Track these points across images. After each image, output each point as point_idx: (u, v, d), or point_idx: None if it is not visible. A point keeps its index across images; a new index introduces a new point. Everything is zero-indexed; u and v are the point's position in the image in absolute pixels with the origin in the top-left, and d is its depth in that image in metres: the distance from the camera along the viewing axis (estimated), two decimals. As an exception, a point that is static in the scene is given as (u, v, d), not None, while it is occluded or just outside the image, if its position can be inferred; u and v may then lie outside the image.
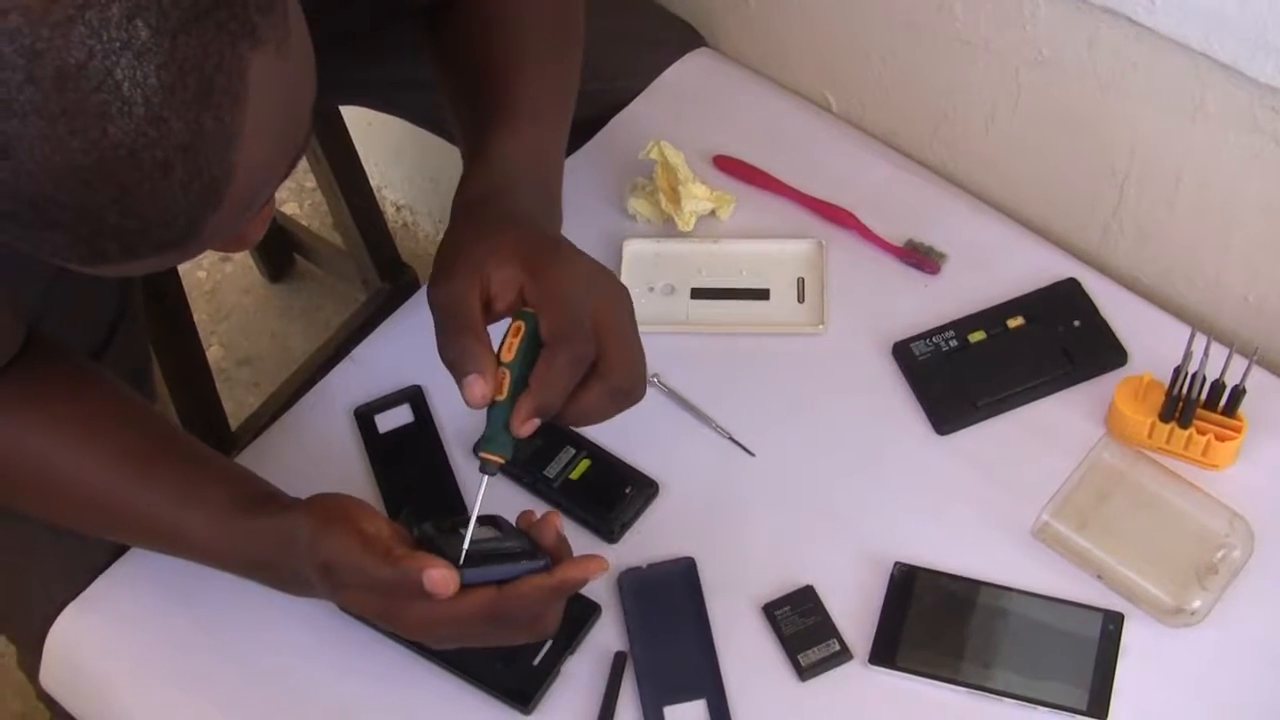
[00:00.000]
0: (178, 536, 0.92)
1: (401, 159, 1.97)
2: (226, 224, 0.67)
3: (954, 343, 1.10)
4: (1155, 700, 0.94)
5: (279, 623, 1.00)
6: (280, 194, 1.91)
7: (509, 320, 0.89)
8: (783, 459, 1.06)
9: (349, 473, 1.08)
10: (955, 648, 0.96)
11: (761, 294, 1.15)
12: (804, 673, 0.96)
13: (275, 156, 0.67)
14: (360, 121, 1.71)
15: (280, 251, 2.00)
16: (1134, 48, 1.04)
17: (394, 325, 1.15)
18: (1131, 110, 1.08)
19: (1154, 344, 1.08)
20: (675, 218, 1.17)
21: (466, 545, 0.85)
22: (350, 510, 0.87)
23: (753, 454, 1.07)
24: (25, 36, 0.57)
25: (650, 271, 1.16)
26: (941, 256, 1.16)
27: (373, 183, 1.75)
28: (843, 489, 1.05)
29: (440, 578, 0.83)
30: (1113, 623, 0.97)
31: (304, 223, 2.05)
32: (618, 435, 1.07)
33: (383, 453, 1.08)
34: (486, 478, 0.88)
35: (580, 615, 0.98)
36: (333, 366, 1.14)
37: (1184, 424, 1.02)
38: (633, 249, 1.17)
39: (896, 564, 1.00)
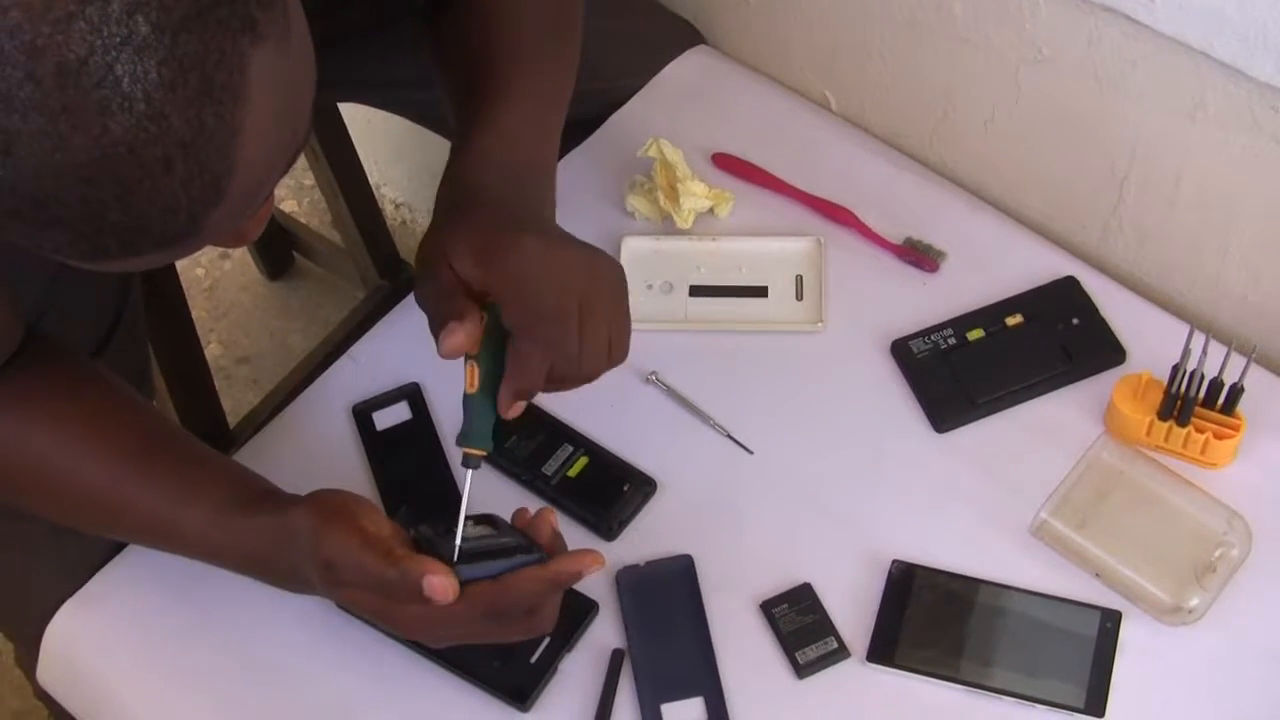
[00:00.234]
0: (176, 534, 0.92)
1: (401, 157, 1.97)
2: (227, 220, 0.67)
3: (952, 341, 1.10)
4: (1153, 698, 0.94)
5: (277, 620, 1.00)
6: (279, 192, 1.92)
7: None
8: (781, 457, 1.06)
9: (347, 470, 1.07)
10: (953, 646, 0.96)
11: (760, 292, 1.15)
12: (802, 670, 0.96)
13: (276, 152, 0.67)
14: (359, 119, 1.71)
15: (279, 249, 2.00)
16: (1133, 47, 1.04)
17: (392, 323, 1.15)
18: (1131, 109, 1.08)
19: (1152, 342, 1.08)
20: (674, 215, 1.17)
21: (459, 541, 0.86)
22: (352, 508, 0.87)
23: (751, 452, 1.07)
24: (26, 33, 0.57)
25: (649, 269, 1.16)
26: (940, 255, 1.16)
27: (372, 180, 1.75)
28: (841, 487, 1.05)
29: (440, 584, 0.83)
30: (1111, 621, 0.97)
31: (303, 220, 2.05)
32: (616, 433, 1.07)
33: (381, 450, 1.08)
34: (471, 471, 0.89)
35: (578, 613, 0.98)
36: (331, 364, 1.14)
37: (1182, 422, 1.02)
38: (631, 246, 1.17)
39: (894, 562, 1.00)
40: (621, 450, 1.07)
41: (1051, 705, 0.94)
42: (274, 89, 0.64)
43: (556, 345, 0.88)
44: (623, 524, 1.03)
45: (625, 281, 0.92)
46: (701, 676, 0.96)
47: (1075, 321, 1.10)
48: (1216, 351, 0.99)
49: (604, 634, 0.99)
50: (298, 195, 2.13)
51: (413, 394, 1.10)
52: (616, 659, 0.97)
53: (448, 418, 1.09)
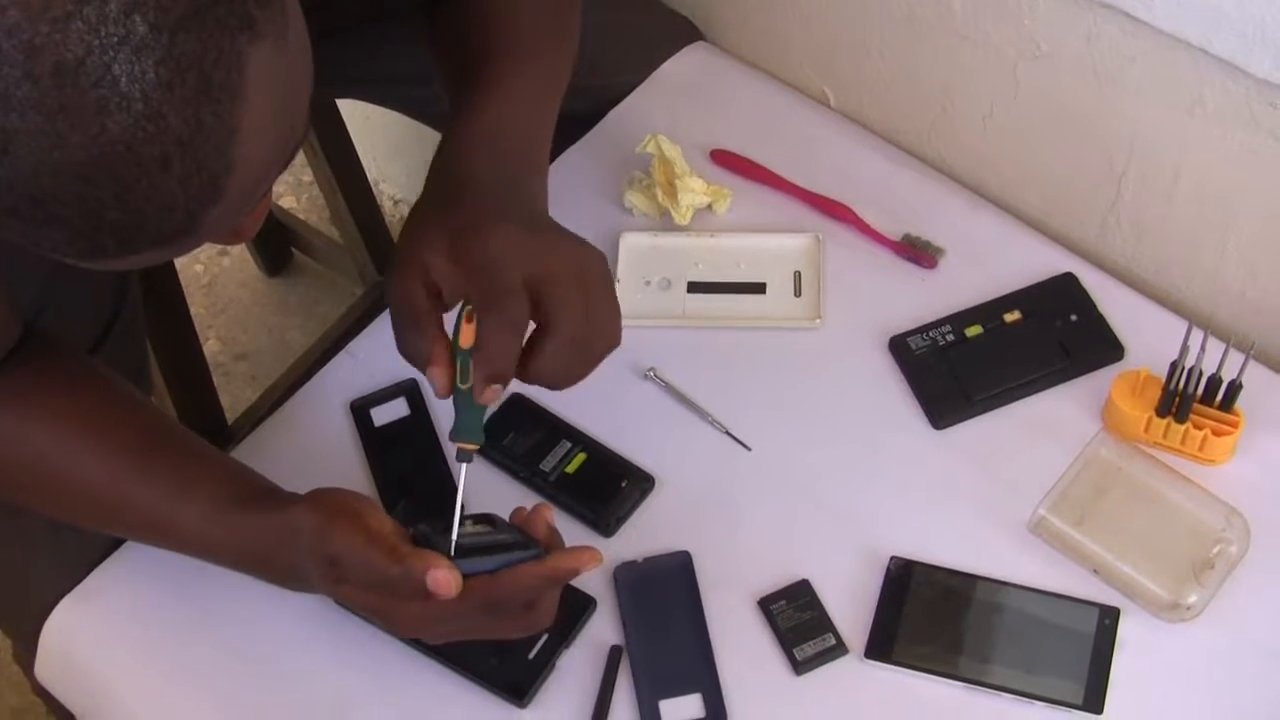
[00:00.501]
0: (173, 530, 0.92)
1: (399, 153, 1.96)
2: (225, 218, 0.67)
3: (950, 337, 1.10)
4: (1151, 695, 0.94)
5: (275, 616, 1.00)
6: (278, 188, 1.92)
7: (461, 307, 0.89)
8: (779, 453, 1.06)
9: (345, 466, 1.07)
10: (951, 642, 0.96)
11: (758, 288, 1.15)
12: (800, 667, 0.96)
13: (274, 150, 0.67)
14: (358, 116, 1.71)
15: (277, 246, 2.00)
16: (1132, 43, 1.04)
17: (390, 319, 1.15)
18: (1129, 105, 1.08)
19: (1151, 339, 1.08)
20: (672, 212, 1.17)
21: (455, 535, 0.86)
22: (355, 506, 0.87)
23: (749, 448, 1.07)
24: (24, 32, 0.57)
25: (647, 265, 1.16)
26: (939, 251, 1.16)
27: (370, 177, 1.75)
28: (839, 483, 1.05)
29: (444, 579, 0.83)
30: (1109, 617, 0.97)
31: (301, 217, 2.05)
32: (614, 429, 1.07)
33: (378, 446, 1.08)
34: (465, 465, 0.89)
35: (575, 609, 0.98)
36: (329, 360, 1.14)
37: (1180, 419, 1.02)
38: (629, 243, 1.17)
39: (893, 558, 1.00)
40: (619, 446, 1.07)
41: (1050, 702, 0.94)
42: (272, 87, 0.64)
43: (516, 322, 0.87)
44: (620, 520, 1.03)
45: (607, 269, 0.91)
46: (699, 673, 0.96)
47: (1073, 318, 1.10)
48: (1215, 348, 0.99)
49: (602, 630, 0.99)
50: (296, 192, 2.13)
51: (410, 390, 1.10)
52: (614, 655, 0.98)
53: (445, 414, 1.08)
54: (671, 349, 1.11)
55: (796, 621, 0.98)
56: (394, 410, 1.10)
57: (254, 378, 1.94)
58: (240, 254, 2.05)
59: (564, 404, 1.09)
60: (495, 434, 1.03)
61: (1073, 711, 0.93)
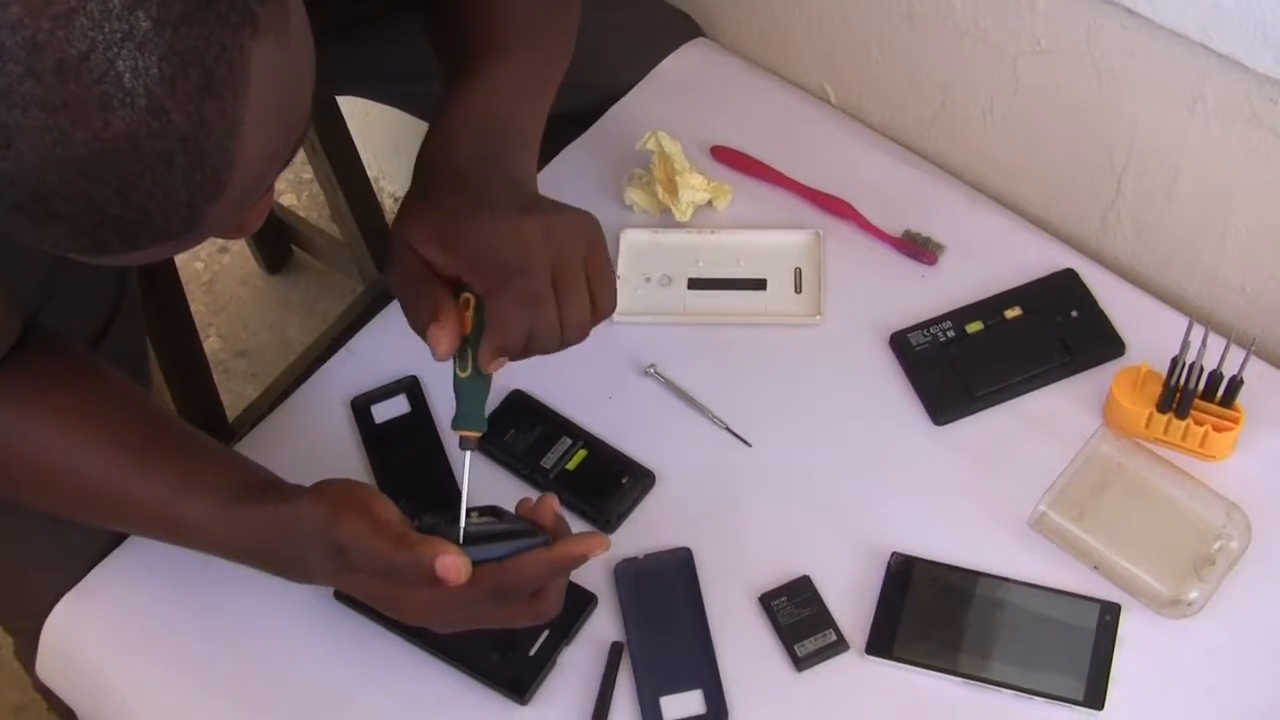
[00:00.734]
0: (177, 524, 0.92)
1: (399, 150, 1.96)
2: (228, 213, 0.67)
3: (951, 333, 1.10)
4: (1152, 691, 0.94)
5: (276, 613, 1.00)
6: (278, 185, 1.91)
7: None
8: (779, 449, 1.06)
9: (345, 463, 1.07)
10: (952, 638, 0.96)
11: (758, 284, 1.15)
12: (800, 663, 0.96)
13: (276, 145, 0.67)
14: (358, 113, 1.71)
15: (278, 243, 2.00)
16: (1132, 38, 1.04)
17: (390, 316, 1.15)
18: (1130, 101, 1.08)
19: (1152, 335, 1.07)
20: (672, 208, 1.17)
21: (463, 523, 0.86)
22: (361, 495, 0.88)
23: (750, 444, 1.07)
24: (26, 28, 0.57)
25: (647, 262, 1.16)
26: (939, 247, 1.16)
27: (370, 174, 1.75)
28: (839, 479, 1.05)
29: (453, 564, 0.83)
30: (1110, 613, 0.97)
31: (302, 214, 2.05)
32: (614, 426, 1.07)
33: (379, 443, 1.08)
34: (469, 454, 0.90)
35: (576, 605, 0.98)
36: (330, 357, 1.14)
37: (1181, 415, 1.02)
38: (630, 239, 1.17)
39: (893, 554, 1.00)
40: (620, 443, 1.07)
41: (1050, 698, 0.93)
42: (274, 82, 0.64)
43: (528, 297, 0.87)
44: (621, 517, 1.03)
45: (600, 233, 0.91)
46: (700, 669, 0.96)
47: (1074, 314, 1.10)
48: (1216, 344, 0.99)
49: (603, 627, 0.99)
50: (296, 189, 2.13)
51: (411, 387, 1.10)
52: (615, 652, 0.98)
53: (446, 411, 1.08)
54: (672, 345, 1.11)
55: (797, 618, 0.98)
56: (394, 407, 1.10)
57: (254, 375, 1.94)
58: (240, 251, 2.05)
59: (565, 401, 1.09)
60: (496, 431, 1.03)
61: (1074, 707, 0.93)
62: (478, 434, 0.90)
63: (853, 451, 1.06)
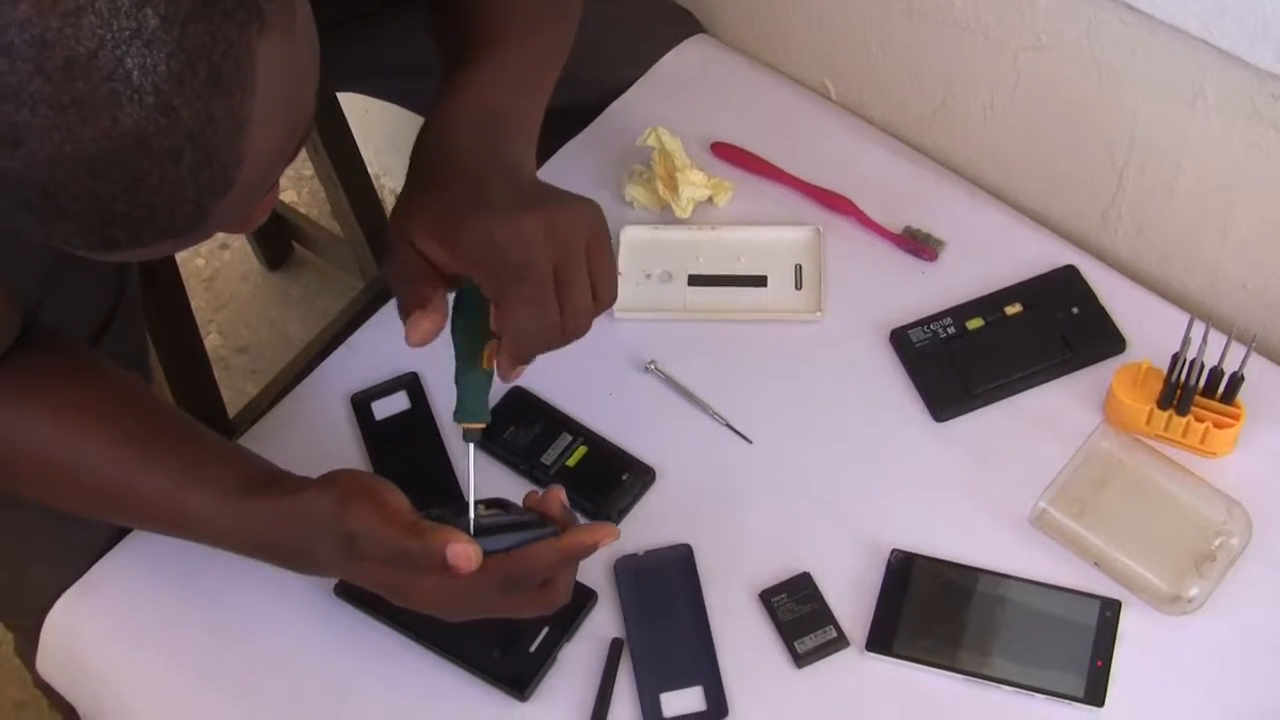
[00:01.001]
0: (182, 518, 0.92)
1: (400, 147, 1.96)
2: (234, 209, 0.67)
3: (951, 330, 1.10)
4: (1152, 687, 0.94)
5: (277, 608, 1.00)
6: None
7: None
8: (780, 446, 1.06)
9: (345, 459, 1.07)
10: (952, 635, 0.96)
11: (759, 281, 1.15)
12: (800, 660, 0.96)
13: (282, 141, 0.67)
14: (358, 110, 1.71)
15: (278, 240, 2.00)
16: (1133, 34, 1.04)
17: (391, 313, 1.13)
18: (1130, 97, 1.08)
19: (1152, 331, 1.07)
20: (673, 205, 1.17)
21: (472, 514, 0.86)
22: (371, 485, 0.88)
23: (750, 441, 1.07)
24: (35, 26, 0.58)
25: (647, 258, 1.16)
26: (939, 243, 1.15)
27: (371, 171, 1.75)
28: (840, 476, 1.05)
29: (464, 552, 0.83)
30: (1110, 610, 0.96)
31: (302, 211, 2.05)
32: (615, 422, 1.07)
33: (379, 439, 1.08)
34: (473, 446, 0.90)
35: (577, 602, 0.98)
36: (330, 354, 1.14)
37: (1182, 411, 1.02)
38: (630, 236, 1.17)
39: (893, 551, 1.00)
40: (620, 440, 1.07)
41: (1051, 694, 0.93)
42: (280, 78, 0.64)
43: (537, 300, 0.87)
44: (622, 513, 1.03)
45: (603, 222, 0.91)
46: (700, 666, 0.96)
47: (1075, 310, 1.10)
48: (1216, 340, 0.99)
49: (603, 623, 0.99)
50: (297, 186, 2.13)
51: (411, 383, 1.10)
52: (615, 648, 0.98)
53: (446, 407, 1.09)
54: (672, 342, 1.11)
55: (797, 614, 0.98)
56: (395, 404, 1.10)
57: (255, 371, 1.94)
58: (241, 248, 2.05)
59: (565, 397, 1.09)
60: (496, 428, 1.03)
61: (1074, 704, 0.93)
62: (480, 426, 0.90)
63: (853, 448, 1.06)
